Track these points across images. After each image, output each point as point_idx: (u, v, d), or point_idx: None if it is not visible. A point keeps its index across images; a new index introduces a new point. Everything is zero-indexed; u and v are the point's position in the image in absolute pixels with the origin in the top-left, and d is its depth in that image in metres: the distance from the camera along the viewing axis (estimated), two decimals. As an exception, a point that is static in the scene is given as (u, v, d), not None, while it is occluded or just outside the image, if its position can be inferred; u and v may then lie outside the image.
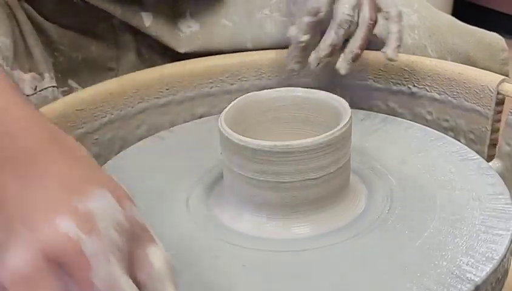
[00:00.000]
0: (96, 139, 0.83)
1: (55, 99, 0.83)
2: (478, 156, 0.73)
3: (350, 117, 0.64)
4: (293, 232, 0.63)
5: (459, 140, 0.80)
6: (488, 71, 0.83)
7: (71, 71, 0.89)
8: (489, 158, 0.83)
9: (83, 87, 0.88)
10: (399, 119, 0.83)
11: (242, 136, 0.62)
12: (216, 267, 0.60)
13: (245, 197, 0.64)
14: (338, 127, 0.62)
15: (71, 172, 0.44)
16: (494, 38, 0.98)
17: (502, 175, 0.73)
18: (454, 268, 0.58)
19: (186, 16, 0.95)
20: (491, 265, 0.57)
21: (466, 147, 0.75)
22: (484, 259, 0.58)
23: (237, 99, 0.68)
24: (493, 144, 0.83)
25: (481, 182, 0.68)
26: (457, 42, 0.93)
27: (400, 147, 0.73)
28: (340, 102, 0.65)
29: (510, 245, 0.60)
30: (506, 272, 0.61)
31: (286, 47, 0.88)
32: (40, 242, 0.40)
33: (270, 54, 0.91)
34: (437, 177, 0.69)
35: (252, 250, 0.62)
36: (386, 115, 0.83)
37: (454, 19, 0.97)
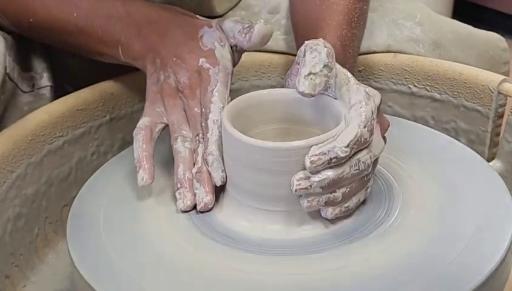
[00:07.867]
0: (96, 138, 0.83)
1: (51, 97, 0.82)
2: (478, 156, 0.73)
3: None
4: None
5: (459, 140, 0.80)
6: (488, 71, 0.83)
7: (69, 77, 0.89)
8: (490, 158, 0.83)
9: None
10: (399, 119, 0.83)
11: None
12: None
13: (246, 195, 0.64)
14: (338, 127, 0.61)
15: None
16: (497, 51, 0.97)
17: (502, 175, 0.73)
18: (454, 268, 0.58)
19: None
20: (491, 266, 0.57)
21: (466, 147, 0.75)
22: (484, 259, 0.58)
23: (236, 99, 0.68)
24: (494, 144, 0.83)
25: (481, 182, 0.68)
26: (460, 56, 0.93)
27: (400, 146, 0.73)
28: (339, 102, 0.65)
29: (510, 245, 0.60)
30: (506, 272, 0.61)
31: (287, 52, 0.89)
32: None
33: (270, 55, 0.91)
34: (436, 177, 0.69)
35: (250, 250, 0.62)
36: (387, 115, 0.83)
37: (455, 26, 0.97)
